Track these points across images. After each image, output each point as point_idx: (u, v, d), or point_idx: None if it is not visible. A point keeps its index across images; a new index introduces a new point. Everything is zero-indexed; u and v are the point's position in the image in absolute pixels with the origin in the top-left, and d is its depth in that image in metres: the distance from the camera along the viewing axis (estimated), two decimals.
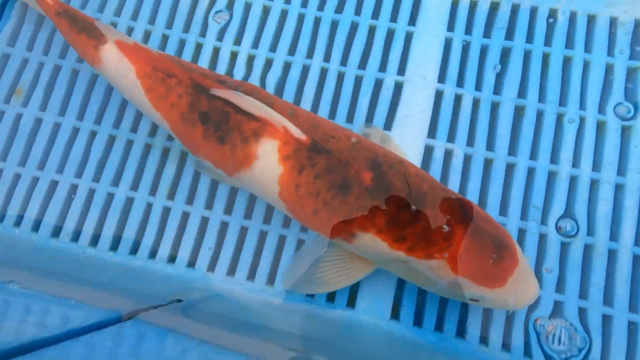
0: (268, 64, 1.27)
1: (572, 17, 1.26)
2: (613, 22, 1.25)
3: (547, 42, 1.24)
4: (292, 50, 1.28)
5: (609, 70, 1.21)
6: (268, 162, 0.94)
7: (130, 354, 0.72)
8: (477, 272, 0.88)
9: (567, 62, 1.23)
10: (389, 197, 0.89)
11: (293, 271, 1.06)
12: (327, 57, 1.27)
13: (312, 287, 1.03)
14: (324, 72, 1.26)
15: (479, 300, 0.92)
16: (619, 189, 1.13)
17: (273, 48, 1.28)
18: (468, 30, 1.27)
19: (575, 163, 1.16)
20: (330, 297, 1.10)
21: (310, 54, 1.27)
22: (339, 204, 0.91)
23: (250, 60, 1.29)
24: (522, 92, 1.21)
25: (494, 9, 1.29)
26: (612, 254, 1.10)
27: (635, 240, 1.10)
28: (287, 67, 1.27)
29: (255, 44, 1.29)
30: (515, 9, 1.28)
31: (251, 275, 1.13)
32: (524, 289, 0.89)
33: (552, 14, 1.26)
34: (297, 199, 0.94)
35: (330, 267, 1.01)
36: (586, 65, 1.22)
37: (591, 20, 1.25)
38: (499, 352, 1.04)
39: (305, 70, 1.26)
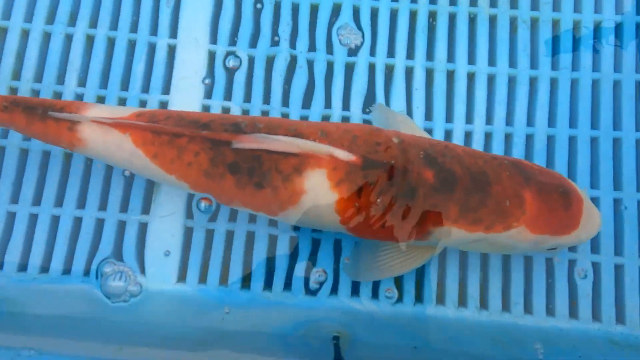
0: (25, 35, 1.19)
1: None
2: None
3: None
4: (50, 19, 1.20)
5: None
6: (319, 193, 0.88)
7: None
8: (555, 226, 0.93)
9: (335, 9, 1.28)
10: (455, 187, 0.89)
11: (358, 264, 1.05)
12: (92, 24, 1.21)
13: (375, 274, 1.01)
14: (90, 39, 1.20)
15: (557, 248, 0.97)
16: None
17: (28, 18, 1.19)
18: None
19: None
20: None
21: (72, 20, 1.20)
22: (409, 210, 0.88)
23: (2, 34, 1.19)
24: (292, 43, 1.24)
25: None
26: None
27: None
28: (46, 37, 1.19)
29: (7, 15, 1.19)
30: None
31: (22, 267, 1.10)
32: (593, 221, 0.96)
33: None
34: (363, 219, 0.90)
35: (391, 255, 0.99)
36: (355, 11, 1.28)
37: None
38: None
39: (68, 38, 1.19)
